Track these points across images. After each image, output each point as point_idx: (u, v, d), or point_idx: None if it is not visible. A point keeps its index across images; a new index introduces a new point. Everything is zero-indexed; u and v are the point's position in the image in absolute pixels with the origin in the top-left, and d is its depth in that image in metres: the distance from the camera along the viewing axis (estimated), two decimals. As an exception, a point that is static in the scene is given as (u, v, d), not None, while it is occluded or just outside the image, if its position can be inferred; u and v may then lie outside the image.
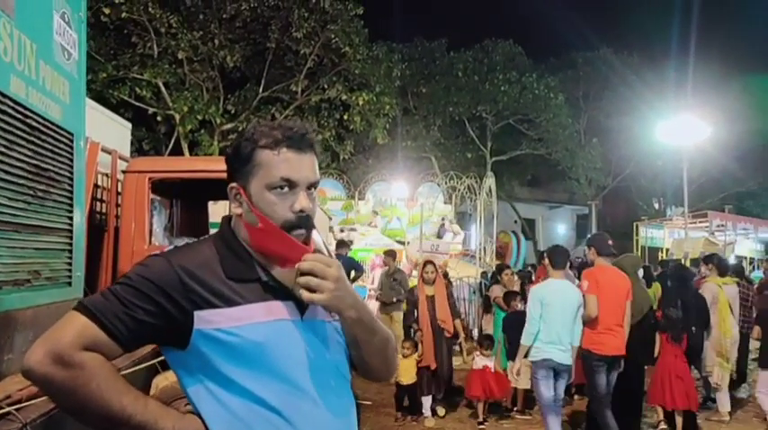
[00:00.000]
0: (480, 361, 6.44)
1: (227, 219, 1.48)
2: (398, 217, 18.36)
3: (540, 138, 24.75)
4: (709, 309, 6.39)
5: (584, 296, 5.11)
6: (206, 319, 1.29)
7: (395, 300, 8.93)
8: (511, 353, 6.25)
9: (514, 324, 6.57)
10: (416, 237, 15.75)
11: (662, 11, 33.14)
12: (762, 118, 26.28)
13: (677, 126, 19.44)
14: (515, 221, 31.37)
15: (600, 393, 5.13)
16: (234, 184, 1.41)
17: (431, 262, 6.89)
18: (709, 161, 23.67)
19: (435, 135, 23.80)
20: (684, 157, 19.92)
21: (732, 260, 18.41)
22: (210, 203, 6.09)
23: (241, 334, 1.29)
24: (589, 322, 5.08)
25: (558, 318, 4.95)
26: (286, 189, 1.36)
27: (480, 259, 15.09)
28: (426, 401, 6.48)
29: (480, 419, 6.27)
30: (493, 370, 6.35)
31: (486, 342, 6.72)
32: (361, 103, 15.70)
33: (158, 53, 14.28)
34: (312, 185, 1.41)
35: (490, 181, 18.16)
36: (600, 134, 25.23)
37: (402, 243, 16.27)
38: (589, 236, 8.18)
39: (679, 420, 5.78)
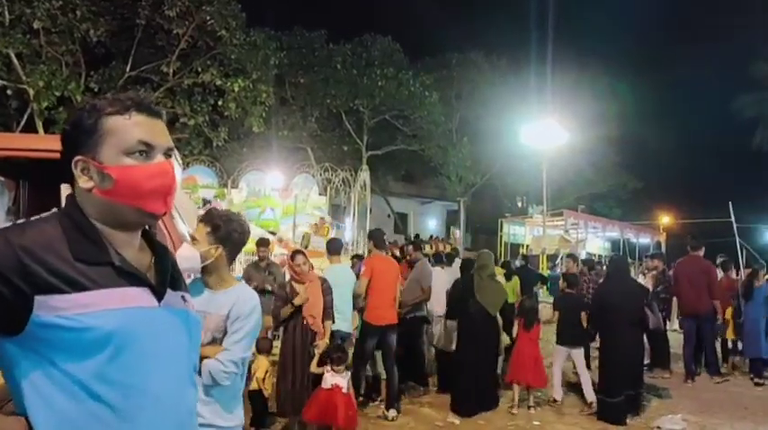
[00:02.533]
0: (331, 378, 5.03)
1: (71, 197, 1.36)
2: (272, 207, 18.04)
3: (414, 134, 25.37)
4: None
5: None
6: (48, 305, 1.17)
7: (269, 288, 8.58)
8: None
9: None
10: (289, 228, 15.58)
11: (527, 18, 35.13)
12: (611, 126, 28.76)
13: (539, 130, 20.79)
14: (389, 215, 32.00)
15: (365, 354, 6.43)
16: (79, 157, 1.31)
17: (301, 252, 5.68)
18: (567, 164, 25.45)
19: (312, 126, 23.67)
20: (544, 160, 21.37)
21: (583, 256, 20.02)
22: (64, 187, 5.62)
23: (88, 322, 1.19)
24: (367, 299, 6.32)
25: (339, 295, 5.84)
26: (144, 154, 1.31)
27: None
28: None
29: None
30: (345, 390, 5.05)
31: (336, 354, 5.12)
32: (236, 89, 15.29)
33: (10, 21, 13.02)
34: (168, 152, 1.36)
35: (365, 174, 18.36)
36: (470, 134, 26.26)
37: (274, 234, 16.03)
38: (370, 231, 9.02)
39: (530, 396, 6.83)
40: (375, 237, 6.78)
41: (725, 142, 37.63)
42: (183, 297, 1.44)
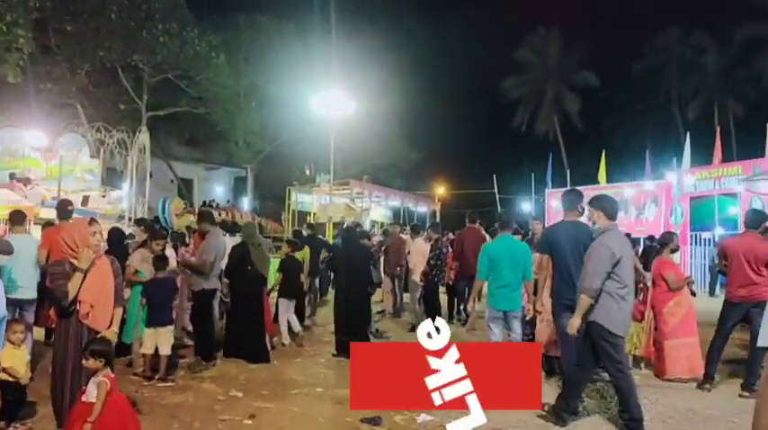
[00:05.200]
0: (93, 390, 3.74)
1: None
2: (32, 168, 16.05)
3: (200, 96, 24.21)
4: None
5: None
6: None
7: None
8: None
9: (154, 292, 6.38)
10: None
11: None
12: (395, 99, 30.26)
13: (327, 99, 21.13)
14: (172, 181, 30.38)
15: None
16: None
17: (95, 220, 4.54)
18: (354, 133, 26.23)
19: (82, 80, 21.35)
20: (332, 129, 21.81)
21: (368, 225, 20.93)
22: None
23: None
24: None
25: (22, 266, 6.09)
26: None
27: (131, 220, 14.22)
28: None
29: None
30: (86, 399, 3.76)
31: (96, 347, 3.83)
32: (-14, 31, 13.21)
33: None
34: None
35: (144, 136, 17.16)
36: (259, 99, 25.79)
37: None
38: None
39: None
40: (58, 209, 7.29)
41: (493, 120, 41.78)
42: None
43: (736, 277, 6.07)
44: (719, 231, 19.09)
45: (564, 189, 24.02)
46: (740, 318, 6.11)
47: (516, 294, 6.27)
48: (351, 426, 4.99)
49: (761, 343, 2.19)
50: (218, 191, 35.75)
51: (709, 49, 36.57)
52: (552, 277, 5.60)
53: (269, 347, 7.42)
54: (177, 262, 7.59)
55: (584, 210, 5.63)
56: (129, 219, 14.54)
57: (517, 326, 6.29)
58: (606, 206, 4.97)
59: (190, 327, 7.73)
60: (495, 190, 31.85)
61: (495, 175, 31.92)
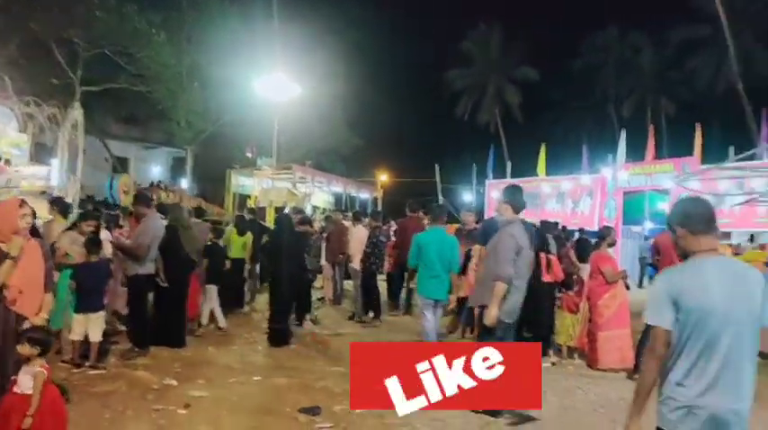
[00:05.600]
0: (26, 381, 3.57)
1: None
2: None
3: (140, 74, 23.33)
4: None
5: None
6: None
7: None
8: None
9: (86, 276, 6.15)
10: None
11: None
12: (338, 84, 30.05)
13: (271, 82, 20.82)
14: (106, 159, 29.33)
15: None
16: None
17: (25, 202, 4.26)
18: (298, 117, 25.94)
19: (12, 53, 20.21)
20: (276, 112, 21.51)
21: (309, 210, 20.79)
22: None
23: None
24: None
25: None
26: None
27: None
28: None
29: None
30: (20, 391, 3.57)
31: (36, 335, 3.72)
32: None
33: None
34: None
35: (77, 112, 16.50)
36: (202, 79, 25.06)
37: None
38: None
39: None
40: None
41: (437, 109, 42.12)
42: None
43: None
44: (649, 225, 19.92)
45: (504, 180, 24.63)
46: None
47: (444, 285, 6.53)
48: (289, 416, 4.97)
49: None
50: (156, 171, 34.71)
51: (646, 49, 37.80)
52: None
53: (185, 331, 7.48)
54: (111, 243, 7.33)
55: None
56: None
57: (439, 315, 6.69)
58: (514, 201, 5.20)
59: (125, 311, 7.48)
60: (438, 179, 32.16)
61: (437, 165, 32.23)
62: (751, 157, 16.75)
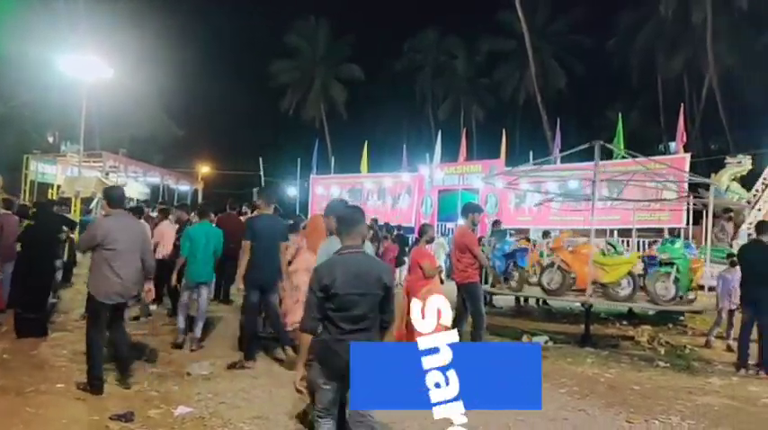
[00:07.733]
0: None
1: None
2: None
3: None
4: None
5: None
6: None
7: None
8: None
9: None
10: None
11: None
12: (158, 71, 28.38)
13: (80, 61, 19.07)
14: None
15: None
16: None
17: None
18: (111, 102, 24.09)
19: None
20: (84, 94, 19.73)
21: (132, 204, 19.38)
22: None
23: None
24: None
25: None
26: None
27: None
28: None
29: None
30: None
31: None
32: None
33: None
34: None
35: None
36: (-9, 54, 22.29)
37: None
38: None
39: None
40: None
41: (261, 102, 41.31)
42: None
43: (453, 263, 7.56)
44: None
45: (329, 176, 24.94)
46: (462, 299, 7.36)
47: (209, 268, 7.43)
48: (99, 425, 4.60)
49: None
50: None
51: (460, 55, 40.30)
52: (250, 260, 6.40)
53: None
54: None
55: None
56: None
57: (204, 292, 7.42)
58: (111, 196, 5.64)
59: None
60: (261, 172, 31.71)
61: (260, 158, 31.76)
62: (547, 162, 18.67)
